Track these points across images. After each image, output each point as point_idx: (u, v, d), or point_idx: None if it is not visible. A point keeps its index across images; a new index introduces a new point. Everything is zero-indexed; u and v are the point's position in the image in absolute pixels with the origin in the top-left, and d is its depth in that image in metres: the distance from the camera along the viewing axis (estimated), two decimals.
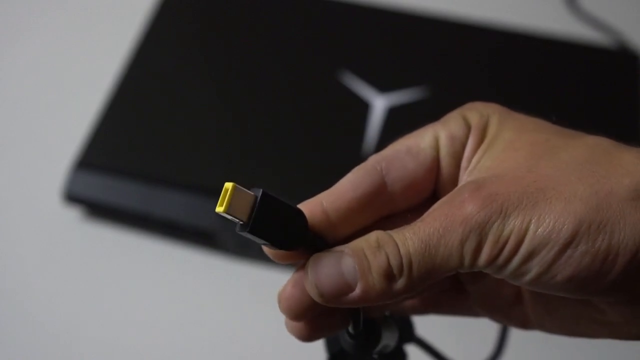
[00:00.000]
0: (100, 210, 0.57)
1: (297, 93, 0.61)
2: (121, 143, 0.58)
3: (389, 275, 0.26)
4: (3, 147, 0.62)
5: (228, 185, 0.24)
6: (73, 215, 0.58)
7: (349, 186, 0.28)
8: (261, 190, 0.25)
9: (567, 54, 0.66)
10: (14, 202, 0.58)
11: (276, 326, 0.53)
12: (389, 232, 0.27)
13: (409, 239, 0.26)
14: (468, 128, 0.28)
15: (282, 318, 0.56)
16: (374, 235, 0.27)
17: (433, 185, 0.29)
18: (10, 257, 0.56)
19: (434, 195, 0.30)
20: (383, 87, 0.61)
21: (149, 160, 0.57)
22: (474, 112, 0.29)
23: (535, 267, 0.25)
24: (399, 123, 0.59)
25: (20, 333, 0.52)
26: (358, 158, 0.57)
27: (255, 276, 0.55)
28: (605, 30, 0.71)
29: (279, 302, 0.29)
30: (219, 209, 0.24)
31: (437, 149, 0.29)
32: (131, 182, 0.56)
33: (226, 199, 0.24)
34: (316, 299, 0.27)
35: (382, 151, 0.29)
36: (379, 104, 0.60)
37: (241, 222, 0.25)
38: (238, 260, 0.56)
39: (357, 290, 0.26)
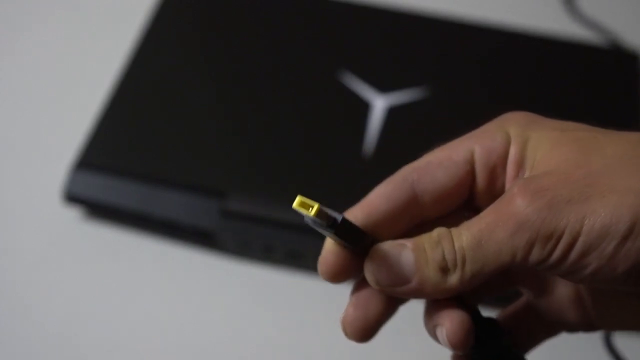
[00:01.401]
0: (100, 210, 0.57)
1: (297, 93, 0.61)
2: (121, 143, 0.58)
3: (444, 269, 0.27)
4: (3, 147, 0.62)
5: (298, 198, 0.26)
6: (73, 215, 0.58)
7: (381, 199, 0.29)
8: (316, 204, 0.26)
9: (567, 54, 0.66)
10: (14, 202, 0.58)
11: (276, 326, 0.53)
12: (451, 228, 0.27)
13: (463, 234, 0.27)
14: (507, 139, 0.29)
15: (281, 318, 0.57)
16: (436, 231, 0.28)
17: (466, 195, 0.30)
18: (10, 257, 0.56)
19: (469, 202, 0.30)
20: (383, 87, 0.61)
21: (149, 160, 0.57)
22: (512, 122, 0.29)
23: (594, 261, 0.25)
24: (399, 123, 0.59)
25: (20, 333, 0.52)
26: (358, 158, 0.57)
27: (255, 276, 0.55)
28: (603, 31, 0.71)
29: (344, 328, 0.30)
30: (312, 211, 0.26)
31: (471, 162, 0.29)
32: (131, 182, 0.56)
33: (308, 201, 0.26)
34: (373, 285, 0.28)
35: (415, 162, 0.30)
36: (379, 104, 0.60)
37: (331, 219, 0.26)
38: (238, 260, 0.56)
39: (413, 283, 0.27)
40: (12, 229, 0.57)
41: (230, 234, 0.54)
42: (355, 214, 0.29)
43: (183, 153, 0.57)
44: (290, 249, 0.53)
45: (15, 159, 0.61)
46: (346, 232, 0.27)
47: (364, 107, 0.60)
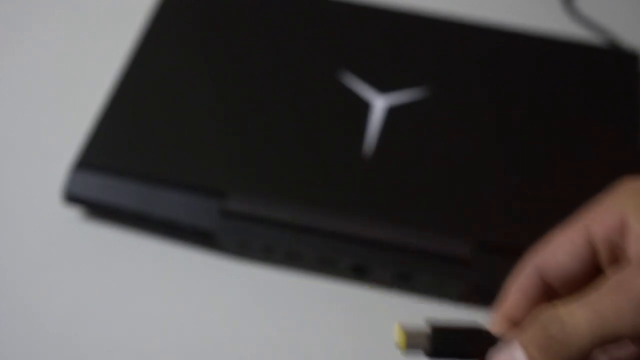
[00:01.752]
0: (100, 210, 0.57)
1: (297, 93, 0.61)
2: (121, 143, 0.58)
3: (552, 352, 0.27)
4: (3, 147, 0.62)
5: (396, 327, 0.29)
6: (73, 215, 0.58)
7: (518, 295, 0.31)
8: (431, 326, 0.29)
9: (567, 54, 0.66)
10: (14, 202, 0.58)
11: (276, 326, 0.53)
12: (557, 306, 0.28)
13: (577, 309, 0.27)
14: (623, 213, 0.29)
15: (281, 318, 0.57)
16: (541, 316, 0.28)
17: (593, 272, 0.30)
18: (10, 257, 0.56)
19: (597, 275, 0.31)
20: (383, 87, 0.61)
21: (149, 160, 0.57)
22: (627, 193, 0.30)
23: None
24: (399, 123, 0.59)
25: (19, 333, 0.52)
26: (358, 158, 0.58)
27: (255, 276, 0.55)
28: (602, 31, 0.71)
29: None
30: (401, 347, 0.28)
31: (591, 242, 0.30)
32: (131, 182, 0.56)
33: (402, 337, 0.28)
34: None
35: (539, 250, 0.31)
36: (379, 104, 0.60)
37: (425, 352, 0.28)
38: (238, 260, 0.56)
39: None
40: (12, 229, 0.57)
41: (230, 234, 0.54)
42: (501, 313, 0.30)
43: (183, 153, 0.57)
44: (290, 249, 0.54)
45: (15, 159, 0.61)
46: (443, 354, 0.29)
47: (364, 107, 0.60)
